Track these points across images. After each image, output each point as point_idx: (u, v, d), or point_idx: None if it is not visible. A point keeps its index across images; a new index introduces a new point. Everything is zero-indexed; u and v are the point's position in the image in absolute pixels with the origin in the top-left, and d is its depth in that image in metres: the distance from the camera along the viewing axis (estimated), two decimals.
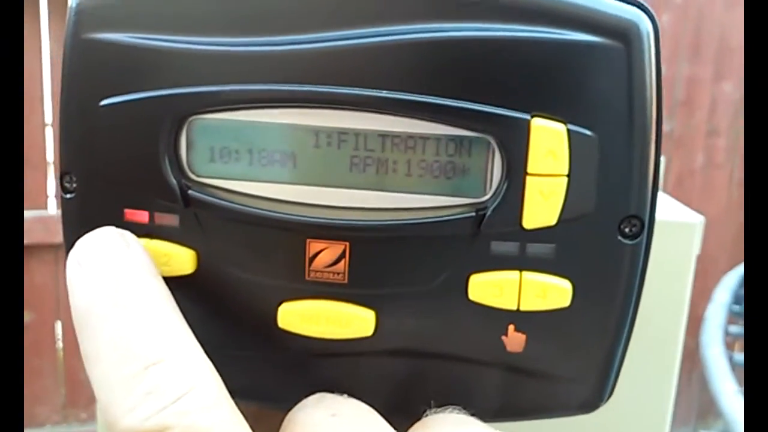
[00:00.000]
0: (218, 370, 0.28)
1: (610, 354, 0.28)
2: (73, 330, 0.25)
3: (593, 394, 0.28)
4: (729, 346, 1.70)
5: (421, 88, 0.25)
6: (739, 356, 1.64)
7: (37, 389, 1.81)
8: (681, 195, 2.24)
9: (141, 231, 0.27)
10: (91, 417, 1.83)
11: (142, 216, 0.27)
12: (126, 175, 0.27)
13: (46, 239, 1.66)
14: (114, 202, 0.28)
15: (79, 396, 1.84)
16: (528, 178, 0.25)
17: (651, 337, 0.43)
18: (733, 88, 2.24)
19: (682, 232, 0.42)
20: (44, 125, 1.64)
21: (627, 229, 0.26)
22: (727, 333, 1.69)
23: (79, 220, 0.28)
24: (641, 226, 0.26)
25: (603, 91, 0.25)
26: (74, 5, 0.27)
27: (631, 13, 0.25)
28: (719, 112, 2.27)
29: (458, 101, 0.25)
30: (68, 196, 0.28)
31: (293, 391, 0.29)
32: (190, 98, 0.26)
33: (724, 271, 1.97)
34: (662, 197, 0.49)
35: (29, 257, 1.68)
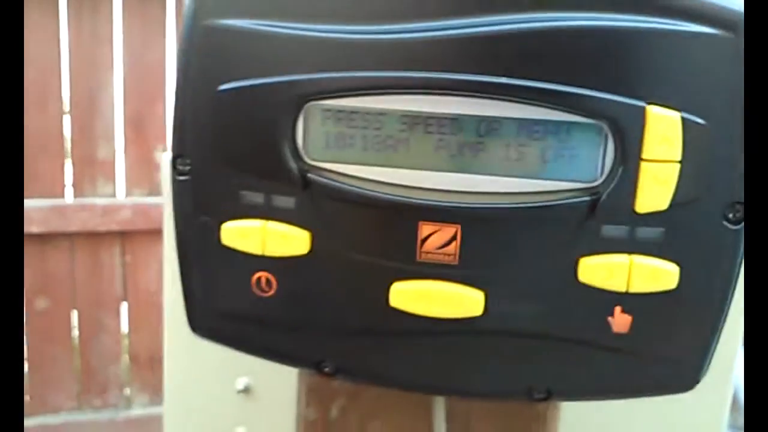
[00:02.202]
0: (320, 351, 0.29)
1: (711, 335, 0.28)
2: (88, 318, 0.25)
3: (691, 374, 0.29)
4: None
5: (537, 75, 0.26)
6: None
7: (52, 377, 1.83)
8: None
9: (257, 212, 0.28)
10: (106, 404, 1.85)
11: (258, 198, 0.28)
12: (243, 158, 0.28)
13: (62, 228, 1.66)
14: (230, 184, 0.29)
15: (94, 383, 1.86)
16: (642, 163, 0.26)
17: None
18: None
19: None
20: (62, 114, 1.65)
21: (731, 215, 0.27)
22: None
23: (193, 200, 0.29)
24: (744, 212, 0.27)
25: (715, 80, 0.26)
26: None
27: (737, 3, 0.26)
28: None
29: (572, 87, 0.26)
30: (182, 178, 0.29)
31: (401, 370, 0.30)
32: (308, 84, 0.27)
33: None
34: None
35: (44, 246, 1.69)
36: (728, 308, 0.28)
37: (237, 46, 0.28)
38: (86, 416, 1.88)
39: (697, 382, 0.29)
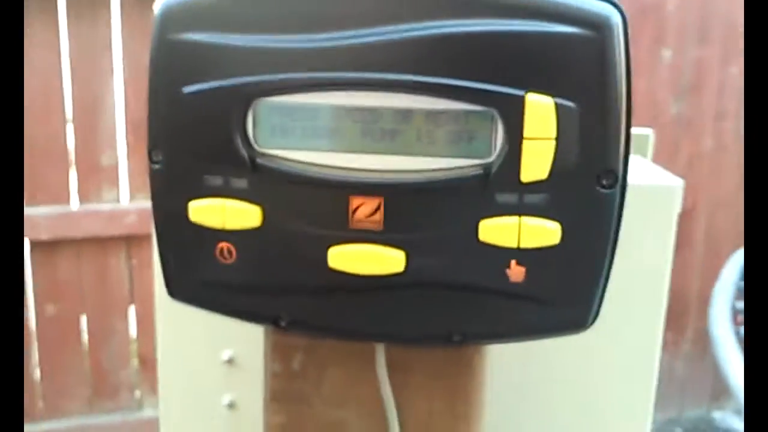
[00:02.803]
0: (276, 309, 0.35)
1: (594, 282, 0.34)
2: (98, 323, 0.31)
3: (582, 316, 0.35)
4: (738, 323, 1.76)
5: (438, 73, 0.32)
6: None
7: (63, 382, 1.88)
8: (690, 178, 2.29)
9: (217, 192, 0.35)
10: (118, 407, 1.90)
11: (217, 180, 0.35)
12: (205, 148, 0.34)
13: (69, 234, 1.72)
14: (195, 169, 0.35)
15: (105, 387, 1.91)
16: (524, 141, 0.32)
17: (640, 284, 0.49)
18: (740, 71, 2.28)
19: (665, 194, 0.48)
20: (65, 123, 1.70)
21: (604, 181, 0.33)
22: (735, 310, 1.75)
23: (165, 185, 0.36)
24: (615, 178, 0.33)
25: (582, 71, 0.32)
26: (159, 11, 0.34)
27: (604, 8, 0.32)
28: (727, 95, 2.32)
29: (467, 82, 0.32)
30: (156, 166, 0.35)
31: (342, 321, 0.36)
32: (255, 85, 0.33)
33: (732, 252, 2.03)
34: (649, 165, 0.56)
35: (52, 252, 1.75)
36: (608, 260, 0.34)
37: (197, 56, 0.34)
38: (98, 419, 1.93)
39: (588, 323, 0.35)
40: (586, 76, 0.32)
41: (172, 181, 0.35)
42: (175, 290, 0.37)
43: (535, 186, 0.33)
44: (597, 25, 0.32)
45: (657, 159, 0.60)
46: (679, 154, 2.27)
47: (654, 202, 0.48)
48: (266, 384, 0.41)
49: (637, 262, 0.49)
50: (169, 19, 0.34)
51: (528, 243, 0.33)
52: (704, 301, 2.08)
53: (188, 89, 0.34)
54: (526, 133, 0.32)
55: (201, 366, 0.55)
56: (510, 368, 0.49)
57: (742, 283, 1.77)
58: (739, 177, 2.34)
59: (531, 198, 0.33)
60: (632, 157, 0.58)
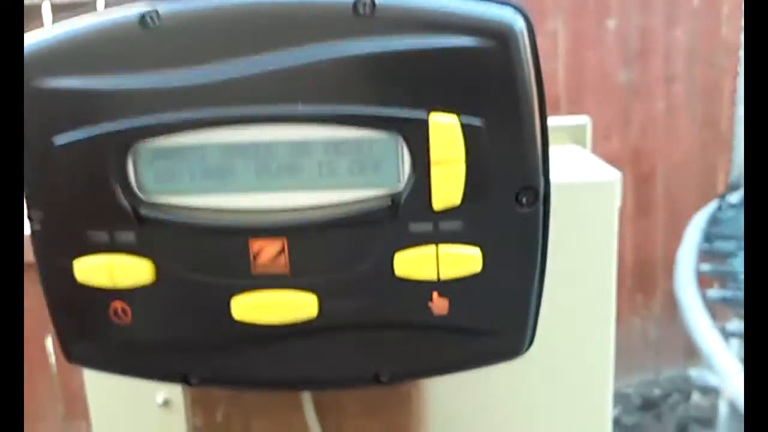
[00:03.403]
0: (184, 366, 0.32)
1: (524, 307, 0.32)
2: None
3: (515, 343, 0.32)
4: (702, 284, 1.76)
5: (331, 99, 0.29)
6: (714, 292, 1.70)
7: (35, 407, 1.84)
8: (645, 143, 2.30)
9: (102, 248, 0.31)
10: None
11: (102, 236, 0.31)
12: (85, 202, 0.31)
13: (31, 257, 1.68)
14: (76, 226, 0.31)
15: (77, 407, 1.88)
16: (432, 166, 0.29)
17: (586, 289, 0.47)
18: (683, 34, 2.29)
19: (602, 190, 0.46)
20: None
21: (524, 199, 0.30)
22: (699, 273, 1.75)
23: (47, 246, 0.32)
24: (535, 195, 0.30)
25: (487, 85, 0.29)
26: (24, 56, 0.30)
27: (505, 15, 0.29)
28: (674, 58, 2.32)
29: (364, 107, 0.29)
30: (36, 227, 0.32)
31: (257, 373, 0.33)
32: (130, 129, 0.30)
33: (693, 213, 2.03)
34: (587, 157, 0.53)
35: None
36: (538, 281, 0.32)
37: (64, 103, 0.30)
38: None
39: (523, 349, 0.33)
40: (491, 90, 0.29)
41: (54, 240, 0.32)
42: (71, 354, 0.34)
43: (450, 212, 0.30)
44: (498, 35, 0.29)
45: (611, 126, 0.57)
46: (632, 121, 2.27)
47: (592, 199, 0.46)
48: None
49: (580, 264, 0.46)
50: (31, 65, 0.30)
51: (448, 273, 0.31)
52: (670, 263, 2.09)
53: (59, 141, 0.30)
54: (433, 158, 0.29)
55: (135, 411, 0.52)
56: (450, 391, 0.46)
57: (706, 245, 1.78)
58: (694, 137, 2.36)
59: (446, 225, 0.30)
60: (570, 148, 0.56)
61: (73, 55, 0.30)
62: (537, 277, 0.32)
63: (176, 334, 0.32)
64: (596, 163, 0.50)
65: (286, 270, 0.31)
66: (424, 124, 0.29)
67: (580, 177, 0.46)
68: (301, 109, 0.29)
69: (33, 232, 0.32)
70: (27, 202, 0.32)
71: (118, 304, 0.32)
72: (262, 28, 0.29)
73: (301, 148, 0.30)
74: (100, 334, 0.33)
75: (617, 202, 0.47)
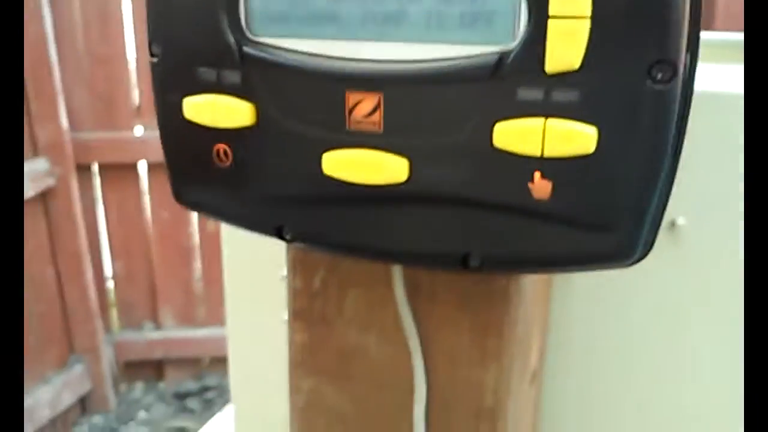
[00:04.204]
0: (279, 218, 0.32)
1: (641, 203, 0.27)
2: None
3: (626, 245, 0.28)
4: None
5: None
6: None
7: (220, 292, 2.04)
8: None
9: (210, 87, 0.31)
10: None
11: (210, 74, 0.31)
12: (194, 37, 0.31)
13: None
14: (188, 62, 0.31)
15: None
16: (550, 20, 0.25)
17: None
18: None
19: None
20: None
21: (657, 75, 0.25)
22: None
23: (162, 80, 0.33)
24: (673, 71, 0.25)
25: None
26: None
27: None
28: None
29: None
30: (154, 60, 0.33)
31: (345, 236, 0.32)
32: None
33: None
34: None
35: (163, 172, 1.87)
36: (664, 175, 0.27)
37: None
38: None
39: (635, 254, 0.28)
40: None
41: (168, 75, 0.32)
42: (179, 193, 0.35)
43: (565, 78, 0.26)
44: None
45: None
46: None
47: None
48: (288, 301, 0.38)
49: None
50: None
51: (555, 151, 0.27)
52: None
53: None
54: (552, 10, 0.25)
55: (263, 283, 0.53)
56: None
57: None
58: None
59: (559, 94, 0.26)
60: (726, 67, 0.47)
61: None
62: (665, 169, 0.27)
63: (272, 182, 0.32)
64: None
65: (380, 128, 0.29)
66: None
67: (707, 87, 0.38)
68: None
69: (152, 65, 0.33)
70: (148, 36, 0.33)
71: (221, 146, 0.32)
72: None
73: None
74: (205, 175, 0.33)
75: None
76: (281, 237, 0.33)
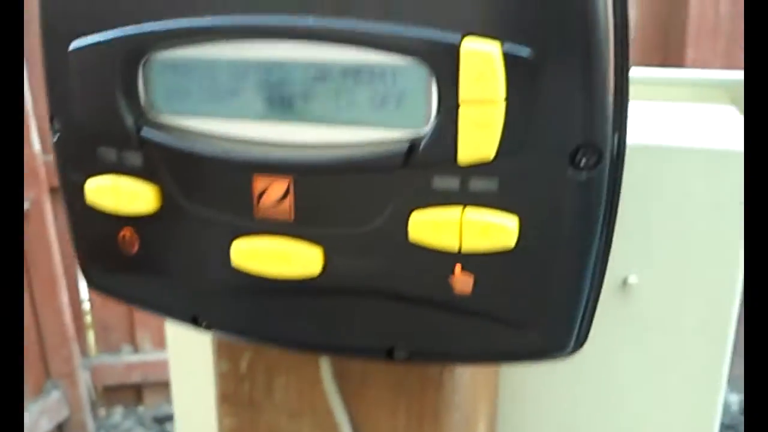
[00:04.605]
0: (192, 307, 0.29)
1: (570, 298, 0.25)
2: None
3: (554, 340, 0.26)
4: None
5: (346, 12, 0.24)
6: None
7: None
8: None
9: (111, 168, 0.29)
10: None
11: (111, 154, 0.29)
12: (92, 115, 0.28)
13: None
14: (88, 141, 0.29)
15: None
16: (461, 107, 0.23)
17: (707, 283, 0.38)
18: None
19: (723, 161, 0.36)
20: None
21: (581, 160, 0.23)
22: None
23: (64, 158, 0.30)
24: (599, 155, 0.23)
25: (542, 2, 0.22)
26: None
27: None
28: None
29: (382, 23, 0.23)
30: (55, 138, 0.30)
31: (262, 327, 0.29)
32: (139, 37, 0.27)
33: None
34: (734, 118, 0.43)
35: None
36: (593, 268, 0.25)
37: (78, 3, 0.28)
38: None
39: (569, 347, 0.26)
40: (548, 8, 0.22)
41: (70, 153, 0.30)
42: (89, 278, 0.32)
43: (482, 168, 0.24)
44: None
45: None
46: None
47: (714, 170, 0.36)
48: (216, 384, 0.36)
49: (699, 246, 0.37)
50: None
51: (475, 244, 0.25)
52: None
53: (74, 45, 0.28)
54: (462, 95, 0.23)
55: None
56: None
57: None
58: None
59: (477, 183, 0.24)
60: (723, 108, 0.45)
61: None
62: (593, 261, 0.25)
63: (181, 270, 0.29)
64: (739, 130, 0.40)
65: (290, 216, 0.26)
66: (453, 51, 0.23)
67: (703, 143, 0.36)
68: (315, 22, 0.24)
69: (54, 143, 0.30)
70: (49, 110, 0.30)
71: (126, 232, 0.30)
72: None
73: (317, 70, 0.25)
74: (113, 261, 0.31)
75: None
76: (197, 325, 0.31)
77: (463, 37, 0.23)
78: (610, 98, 0.23)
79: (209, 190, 0.28)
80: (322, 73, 0.25)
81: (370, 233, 0.26)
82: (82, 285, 2.08)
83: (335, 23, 0.24)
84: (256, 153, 0.26)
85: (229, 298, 0.29)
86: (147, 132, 0.27)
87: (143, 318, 2.09)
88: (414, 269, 0.26)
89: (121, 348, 2.13)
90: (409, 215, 0.25)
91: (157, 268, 0.30)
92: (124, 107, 0.28)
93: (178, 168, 0.28)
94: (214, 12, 0.25)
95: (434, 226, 0.25)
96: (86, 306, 2.13)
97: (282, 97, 0.26)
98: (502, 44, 0.22)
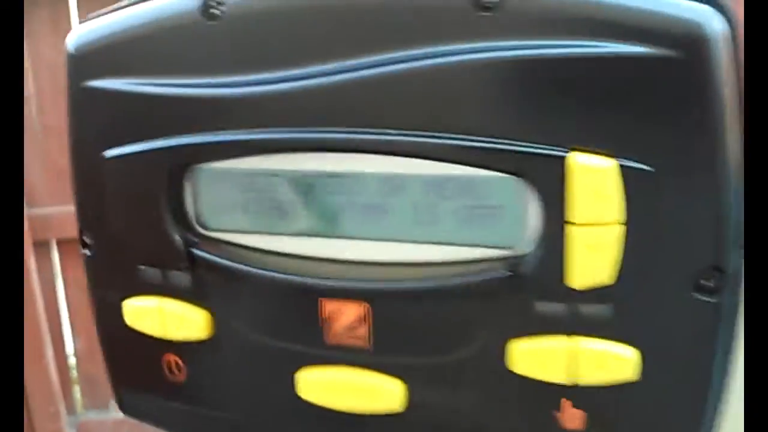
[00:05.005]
0: None
1: (692, 425, 0.22)
2: None
3: None
4: None
5: (434, 126, 0.21)
6: None
7: None
8: None
9: (154, 290, 0.26)
10: None
11: (154, 274, 0.25)
12: (133, 231, 0.25)
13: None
14: (127, 259, 0.26)
15: None
16: (569, 227, 0.20)
17: None
18: None
19: None
20: None
21: (705, 283, 0.20)
22: None
23: (97, 277, 0.27)
24: (723, 279, 0.20)
25: (662, 113, 0.19)
26: (71, 52, 0.25)
27: (696, 11, 0.19)
28: None
29: (477, 139, 0.21)
30: (87, 253, 0.27)
31: None
32: (190, 147, 0.24)
33: None
34: None
35: None
36: (715, 399, 0.22)
37: (118, 108, 0.25)
38: None
39: None
40: (669, 120, 0.20)
41: (105, 271, 0.27)
42: (123, 403, 0.29)
43: (596, 293, 0.21)
44: (684, 40, 0.19)
45: None
46: None
47: None
48: None
49: None
50: (81, 61, 0.25)
51: (588, 377, 0.22)
52: None
53: (110, 153, 0.25)
54: (570, 216, 0.20)
55: None
56: None
57: None
58: None
59: (589, 309, 0.21)
60: None
61: (128, 51, 0.24)
62: (717, 392, 0.22)
63: (236, 403, 0.26)
64: None
65: (367, 344, 0.23)
66: (557, 165, 0.20)
67: None
68: (394, 137, 0.21)
69: (85, 258, 0.27)
70: (79, 224, 0.27)
71: (171, 358, 0.26)
72: (355, 25, 0.22)
73: (395, 184, 0.22)
74: (155, 387, 0.27)
75: None
76: None
77: (570, 150, 0.20)
78: (734, 212, 0.20)
79: (270, 315, 0.24)
80: (400, 186, 0.22)
81: (461, 365, 0.23)
82: (68, 339, 2.02)
83: (419, 138, 0.21)
84: (325, 274, 0.23)
85: None
86: (198, 251, 0.24)
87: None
88: (513, 405, 0.23)
89: (109, 404, 2.05)
90: (506, 344, 0.22)
91: (206, 399, 0.26)
92: (170, 223, 0.24)
93: (233, 291, 0.25)
94: (279, 125, 0.23)
95: (540, 356, 0.22)
96: (72, 360, 2.06)
97: (353, 211, 0.23)
98: (617, 158, 0.20)
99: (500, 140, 0.20)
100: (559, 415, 0.22)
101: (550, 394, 0.22)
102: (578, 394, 0.22)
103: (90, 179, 0.26)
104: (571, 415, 0.22)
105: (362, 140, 0.22)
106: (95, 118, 0.25)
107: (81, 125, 0.26)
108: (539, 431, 0.23)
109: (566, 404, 0.22)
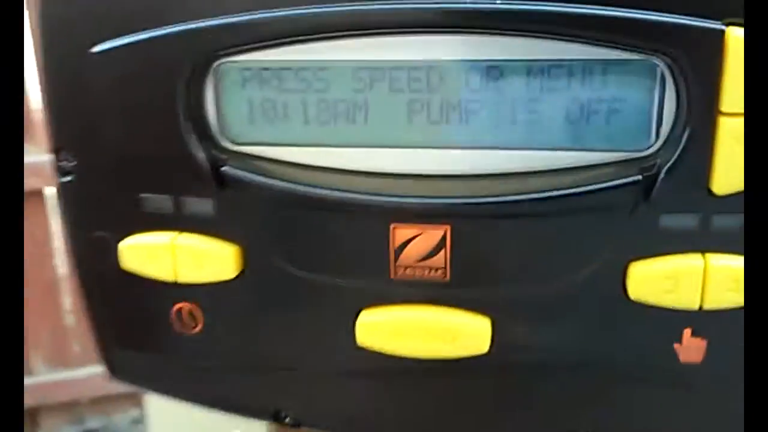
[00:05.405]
0: (284, 396, 0.21)
1: None
2: None
3: None
4: None
5: None
6: None
7: None
8: None
9: (165, 224, 0.20)
10: None
11: (163, 202, 0.20)
12: (136, 148, 0.20)
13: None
14: (125, 185, 0.20)
15: None
16: (721, 118, 0.17)
17: None
18: None
19: None
20: None
21: None
22: None
23: (82, 210, 0.21)
24: None
25: None
26: None
27: None
28: None
29: (605, 8, 0.17)
30: (65, 179, 0.21)
31: (380, 420, 0.22)
32: (215, 33, 0.18)
33: None
34: None
35: None
36: None
37: None
38: None
39: None
40: None
41: (93, 202, 0.21)
42: (114, 365, 0.23)
43: (734, 200, 0.18)
44: None
45: None
46: None
47: None
48: None
49: None
50: None
51: (718, 300, 0.18)
52: None
53: (99, 47, 0.19)
54: (725, 104, 0.17)
55: None
56: None
57: None
58: None
59: (725, 221, 0.18)
60: None
61: None
62: None
63: (266, 353, 0.21)
64: None
65: (446, 276, 0.19)
66: (715, 41, 0.16)
67: None
68: (480, 6, 0.17)
69: (61, 184, 0.21)
70: (53, 139, 0.21)
71: (184, 306, 0.21)
72: None
73: (487, 73, 0.18)
74: (155, 344, 0.22)
75: None
76: (278, 421, 0.23)
77: (727, 24, 0.16)
78: None
79: (320, 246, 0.20)
80: (492, 75, 0.18)
81: (565, 294, 0.19)
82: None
83: (522, 4, 0.17)
84: (396, 193, 0.19)
85: (342, 388, 0.21)
86: (229, 168, 0.19)
87: (34, 337, 1.89)
88: (626, 337, 0.19)
89: None
90: (626, 267, 0.18)
91: (228, 354, 0.22)
92: (187, 136, 0.19)
93: (271, 218, 0.20)
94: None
95: (666, 278, 0.18)
96: None
97: (429, 112, 0.19)
98: None
99: (645, 11, 0.16)
100: (678, 347, 0.19)
101: (672, 322, 0.19)
102: (702, 320, 0.19)
103: (71, 84, 0.20)
104: (692, 346, 0.19)
105: (447, 11, 0.17)
106: (82, 5, 0.19)
107: (63, 16, 0.19)
108: (656, 367, 0.19)
109: (687, 333, 0.19)
